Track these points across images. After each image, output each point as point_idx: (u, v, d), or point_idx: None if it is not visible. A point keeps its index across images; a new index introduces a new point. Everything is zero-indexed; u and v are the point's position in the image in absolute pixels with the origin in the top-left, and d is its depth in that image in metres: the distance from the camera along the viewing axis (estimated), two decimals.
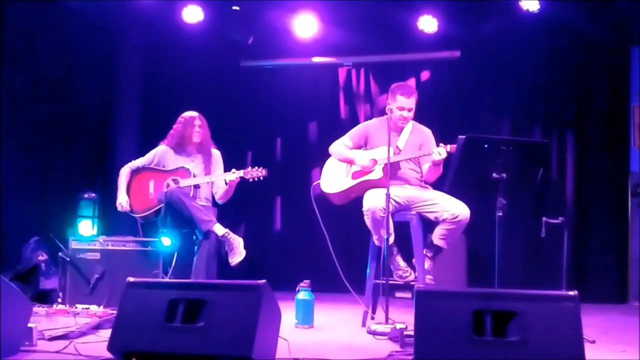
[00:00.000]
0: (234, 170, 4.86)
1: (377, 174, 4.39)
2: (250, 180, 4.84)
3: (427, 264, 4.27)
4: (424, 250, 4.29)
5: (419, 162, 4.49)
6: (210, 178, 4.97)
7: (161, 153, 5.10)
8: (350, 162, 4.53)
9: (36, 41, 5.87)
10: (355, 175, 4.48)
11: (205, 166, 5.04)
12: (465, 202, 4.27)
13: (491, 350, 2.56)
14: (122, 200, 5.03)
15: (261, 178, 4.85)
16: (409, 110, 4.44)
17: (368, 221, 4.25)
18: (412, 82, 6.49)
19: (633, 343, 3.72)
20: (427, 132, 4.59)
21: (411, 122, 4.55)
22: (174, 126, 5.10)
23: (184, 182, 4.90)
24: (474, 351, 2.56)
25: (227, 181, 4.88)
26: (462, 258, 5.84)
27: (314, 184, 4.66)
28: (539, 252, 5.83)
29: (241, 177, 4.82)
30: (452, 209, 4.19)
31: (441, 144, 4.24)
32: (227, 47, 6.63)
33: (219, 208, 5.09)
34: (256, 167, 4.85)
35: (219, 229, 4.67)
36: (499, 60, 6.31)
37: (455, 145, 4.01)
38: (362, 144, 4.58)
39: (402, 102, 4.43)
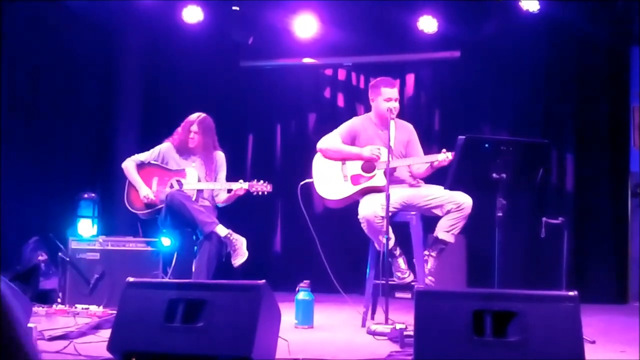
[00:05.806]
0: (241, 181, 4.84)
1: (380, 179, 4.29)
2: (255, 194, 4.82)
3: (432, 264, 4.22)
4: (427, 251, 4.25)
5: (405, 158, 4.47)
6: (214, 185, 4.95)
7: (165, 151, 5.09)
8: (355, 157, 4.39)
9: (36, 41, 5.86)
10: (355, 180, 4.38)
11: (207, 168, 5.01)
12: None
13: (491, 350, 2.55)
14: (147, 193, 4.91)
15: (265, 193, 4.84)
16: (396, 100, 4.38)
17: (365, 229, 4.21)
18: (411, 80, 6.51)
19: (633, 343, 3.72)
20: (410, 128, 4.53)
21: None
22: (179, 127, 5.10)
23: (187, 186, 4.88)
24: (474, 351, 2.55)
25: (233, 189, 4.87)
26: (462, 258, 5.85)
27: (301, 183, 4.52)
28: (539, 252, 5.82)
29: (246, 190, 4.81)
30: (455, 198, 4.15)
31: (444, 150, 4.21)
32: (227, 48, 6.63)
33: (218, 209, 5.07)
34: (262, 182, 4.83)
35: (222, 230, 4.66)
36: (498, 60, 6.31)
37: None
38: (350, 143, 4.46)
39: (387, 93, 4.38)
